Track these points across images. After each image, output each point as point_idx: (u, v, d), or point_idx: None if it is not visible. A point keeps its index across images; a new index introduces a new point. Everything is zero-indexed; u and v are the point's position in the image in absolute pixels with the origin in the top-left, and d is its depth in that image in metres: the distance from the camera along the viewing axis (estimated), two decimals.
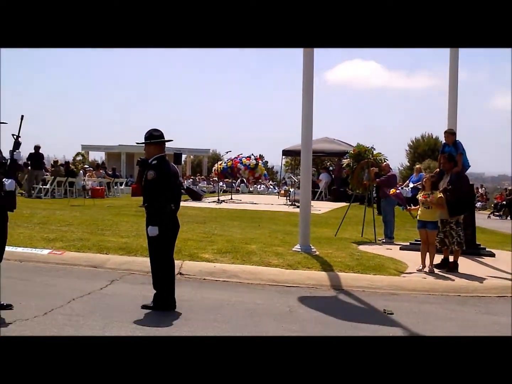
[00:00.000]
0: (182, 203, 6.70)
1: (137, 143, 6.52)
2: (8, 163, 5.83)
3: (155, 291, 6.29)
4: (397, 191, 11.19)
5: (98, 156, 51.54)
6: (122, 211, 15.32)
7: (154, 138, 6.28)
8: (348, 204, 13.82)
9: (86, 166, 24.89)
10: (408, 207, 9.92)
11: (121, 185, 26.57)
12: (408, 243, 11.10)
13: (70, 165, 21.53)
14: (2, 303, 5.84)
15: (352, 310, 6.66)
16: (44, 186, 20.46)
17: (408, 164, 53.20)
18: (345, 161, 13.01)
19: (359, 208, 15.88)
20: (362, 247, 10.70)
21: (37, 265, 8.27)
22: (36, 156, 20.61)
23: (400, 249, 10.80)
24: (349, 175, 13.11)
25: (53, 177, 20.92)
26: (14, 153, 5.87)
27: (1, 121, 5.81)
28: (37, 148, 20.60)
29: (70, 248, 9.05)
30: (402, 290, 7.69)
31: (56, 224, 11.46)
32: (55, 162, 23.23)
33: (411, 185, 18.42)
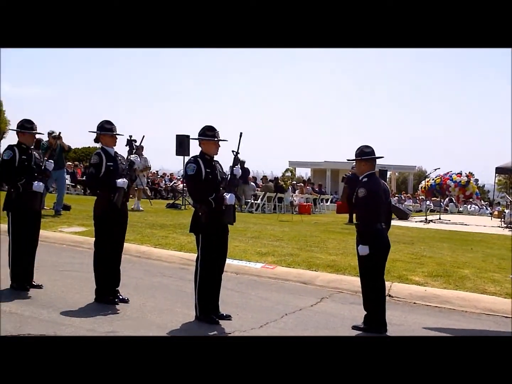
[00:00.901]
0: None
1: (348, 160, 6.56)
2: (228, 178, 6.24)
3: (365, 312, 6.24)
4: None
5: (303, 172, 53.08)
6: (329, 228, 15.52)
7: (365, 154, 6.23)
8: None
9: (294, 182, 25.71)
10: None
11: (326, 201, 26.97)
12: None
13: (279, 181, 22.38)
14: (222, 313, 6.24)
15: None
16: (255, 201, 21.50)
17: None
18: None
19: None
20: None
21: (251, 278, 8.68)
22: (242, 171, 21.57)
23: None
24: None
25: (263, 192, 21.93)
26: (234, 168, 6.25)
27: (222, 139, 6.24)
28: (241, 163, 21.62)
29: (281, 263, 9.37)
30: None
31: (267, 238, 11.97)
32: (265, 177, 24.35)
33: None
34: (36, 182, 6.94)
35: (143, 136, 7.22)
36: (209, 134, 6.18)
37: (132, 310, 6.43)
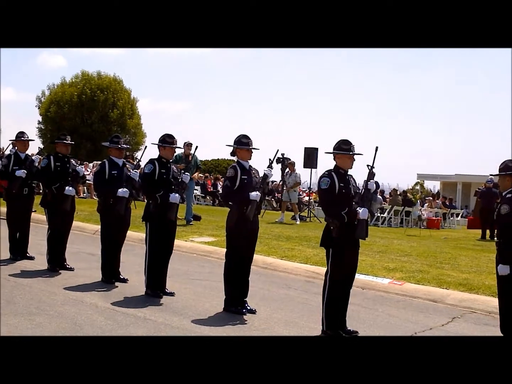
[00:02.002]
0: None
1: (491, 175, 6.27)
2: (362, 192, 6.17)
3: (501, 335, 5.90)
4: None
5: (431, 185, 51.24)
6: (460, 244, 14.88)
7: (510, 169, 5.90)
8: None
9: (423, 195, 24.93)
10: None
11: (456, 216, 25.92)
12: None
13: (408, 194, 21.81)
14: (349, 329, 6.16)
15: None
16: (381, 215, 21.10)
17: None
18: None
19: None
20: None
21: (378, 294, 8.52)
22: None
23: None
24: None
25: (390, 205, 21.48)
26: (368, 182, 6.17)
27: (358, 152, 6.20)
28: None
29: (410, 279, 9.10)
30: None
31: (395, 253, 11.68)
32: (394, 190, 23.84)
33: None
34: (172, 194, 7.29)
35: (277, 150, 7.43)
36: (344, 148, 6.16)
37: (259, 321, 6.54)
